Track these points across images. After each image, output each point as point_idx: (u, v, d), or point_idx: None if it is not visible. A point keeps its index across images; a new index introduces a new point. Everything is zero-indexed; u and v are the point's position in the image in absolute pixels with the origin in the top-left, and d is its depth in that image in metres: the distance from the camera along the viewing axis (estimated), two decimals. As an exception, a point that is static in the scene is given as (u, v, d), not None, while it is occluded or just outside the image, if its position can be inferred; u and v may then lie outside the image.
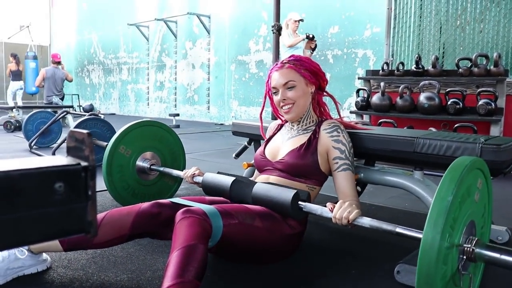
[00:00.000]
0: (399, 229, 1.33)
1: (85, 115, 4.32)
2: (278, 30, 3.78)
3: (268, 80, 1.85)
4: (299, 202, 1.55)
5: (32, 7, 14.26)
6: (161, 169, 2.39)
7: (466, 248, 1.16)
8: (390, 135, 1.89)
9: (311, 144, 1.76)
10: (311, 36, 5.71)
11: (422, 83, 4.31)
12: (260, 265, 1.70)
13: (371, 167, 2.00)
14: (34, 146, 4.94)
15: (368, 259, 1.81)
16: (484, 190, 1.31)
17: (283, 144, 1.84)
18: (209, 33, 9.34)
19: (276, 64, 1.84)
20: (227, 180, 1.76)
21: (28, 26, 13.13)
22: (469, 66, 4.32)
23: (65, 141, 3.51)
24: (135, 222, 1.57)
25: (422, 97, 4.28)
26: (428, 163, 1.83)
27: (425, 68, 4.63)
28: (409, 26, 5.28)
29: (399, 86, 4.46)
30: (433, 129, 3.99)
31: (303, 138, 1.79)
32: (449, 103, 4.15)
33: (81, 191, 0.51)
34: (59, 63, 8.43)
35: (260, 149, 1.93)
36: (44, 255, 1.66)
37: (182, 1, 9.92)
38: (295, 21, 5.72)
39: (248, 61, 8.64)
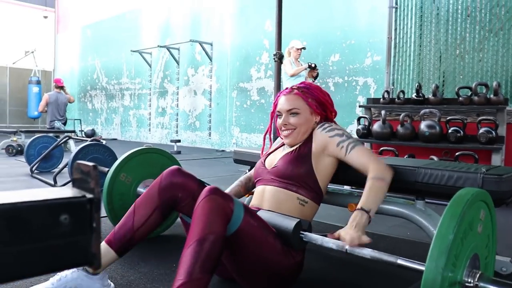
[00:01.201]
0: (400, 261, 1.32)
1: (87, 140, 4.33)
2: (279, 59, 3.82)
3: (275, 102, 1.88)
4: (301, 232, 1.54)
5: (37, 33, 14.47)
6: None
7: (468, 285, 1.15)
8: (392, 164, 1.89)
9: (305, 147, 1.76)
10: (313, 65, 5.78)
11: (422, 111, 4.33)
12: None
13: (372, 196, 1.99)
14: (36, 171, 4.94)
15: (370, 289, 1.79)
16: (487, 221, 1.30)
17: (281, 153, 1.84)
18: (211, 60, 9.45)
19: (286, 89, 1.87)
20: None
21: (33, 52, 13.31)
22: (469, 94, 4.35)
23: (67, 166, 3.50)
24: (160, 190, 1.65)
25: (423, 125, 4.30)
26: (429, 193, 1.83)
27: (426, 97, 4.66)
28: (409, 55, 5.33)
29: (400, 114, 4.48)
30: (435, 158, 3.99)
31: (297, 146, 1.80)
32: (450, 131, 4.17)
33: (86, 223, 0.52)
34: (62, 88, 8.49)
35: (261, 160, 1.93)
36: (107, 280, 1.63)
37: (185, 28, 10.07)
38: (298, 49, 5.79)
39: (249, 88, 8.71)
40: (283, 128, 1.81)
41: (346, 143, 1.71)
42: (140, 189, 2.39)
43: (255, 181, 1.89)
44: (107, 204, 2.31)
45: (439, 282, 1.04)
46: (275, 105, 1.87)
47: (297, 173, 1.72)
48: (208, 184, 1.58)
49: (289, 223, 1.55)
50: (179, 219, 2.67)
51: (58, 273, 1.58)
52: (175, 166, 1.73)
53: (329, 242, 1.47)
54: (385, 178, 1.64)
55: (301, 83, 1.89)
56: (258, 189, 1.82)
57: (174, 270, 1.89)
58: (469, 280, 1.15)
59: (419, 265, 1.26)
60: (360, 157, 1.69)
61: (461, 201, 1.15)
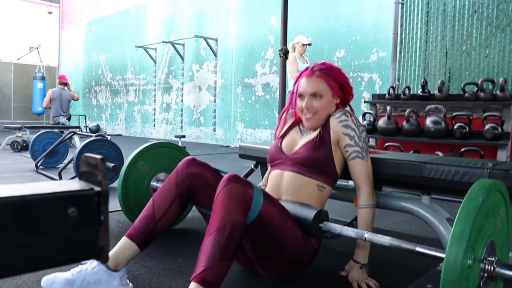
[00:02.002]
0: (419, 248, 1.35)
1: (91, 136, 4.34)
2: (285, 54, 3.81)
3: (295, 83, 1.87)
4: (320, 221, 1.60)
5: (42, 29, 14.50)
6: None
7: (487, 266, 1.17)
8: (398, 159, 1.88)
9: (324, 134, 1.77)
10: None
11: (428, 107, 4.32)
12: (272, 276, 1.72)
13: (378, 192, 1.99)
14: (41, 166, 4.95)
15: (376, 285, 1.79)
16: (504, 217, 1.33)
17: (301, 139, 1.84)
18: (216, 56, 9.44)
19: (307, 69, 1.85)
20: None
21: (37, 48, 13.34)
22: (475, 90, 4.33)
23: (71, 162, 3.51)
24: (178, 180, 1.70)
25: (428, 121, 4.28)
26: (435, 188, 1.82)
27: (431, 93, 4.64)
28: (415, 51, 5.31)
29: (405, 110, 4.46)
30: (440, 153, 3.98)
31: (317, 132, 1.80)
32: (455, 127, 4.15)
33: (94, 216, 0.51)
34: (65, 84, 8.52)
35: (276, 142, 1.91)
36: (126, 280, 1.63)
37: (190, 24, 10.05)
38: (303, 44, 5.77)
39: (254, 84, 8.70)
40: (305, 111, 1.80)
41: (352, 149, 1.74)
42: (153, 183, 2.42)
43: (271, 165, 1.88)
44: (121, 189, 2.33)
45: (459, 266, 1.06)
46: (295, 87, 1.86)
47: (318, 160, 1.74)
48: (224, 172, 1.60)
49: (309, 213, 1.59)
50: (192, 212, 2.68)
51: (79, 265, 1.60)
52: (190, 157, 1.78)
53: (348, 230, 1.53)
54: (374, 204, 1.78)
55: (321, 63, 1.86)
56: (275, 173, 1.82)
57: (180, 265, 1.90)
58: (487, 266, 1.18)
59: (437, 252, 1.30)
60: (358, 172, 1.75)
61: (488, 180, 1.19)
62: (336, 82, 1.81)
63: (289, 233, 1.56)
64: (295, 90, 1.87)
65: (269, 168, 1.97)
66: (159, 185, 2.40)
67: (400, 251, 2.20)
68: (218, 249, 1.32)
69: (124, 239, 1.63)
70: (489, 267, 1.17)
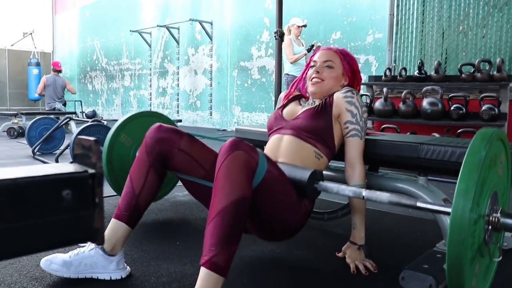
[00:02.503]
0: (420, 203, 1.32)
1: (88, 121, 4.32)
2: (280, 36, 3.78)
3: (312, 56, 1.95)
4: (315, 182, 1.57)
5: (35, 14, 14.34)
6: None
7: (492, 218, 1.18)
8: (394, 140, 1.88)
9: (326, 106, 1.78)
10: (314, 45, 5.70)
11: (424, 88, 4.31)
12: (266, 238, 1.71)
13: (374, 173, 1.99)
14: (37, 152, 4.94)
15: (373, 265, 1.80)
16: (505, 164, 1.33)
17: (301, 109, 1.88)
18: (211, 39, 9.37)
19: (326, 46, 1.97)
20: None
21: (31, 33, 13.22)
22: (472, 71, 4.32)
23: (68, 147, 3.50)
24: (147, 149, 1.66)
25: (425, 103, 4.28)
26: (432, 169, 1.82)
27: (428, 74, 4.63)
28: (411, 32, 5.28)
29: (402, 92, 4.46)
30: (436, 135, 3.98)
31: (319, 102, 1.84)
32: (452, 108, 4.15)
33: (88, 199, 0.51)
34: (59, 71, 8.48)
35: (276, 111, 1.94)
36: (123, 264, 1.64)
37: (185, 7, 9.96)
38: (298, 26, 5.73)
39: (250, 67, 8.66)
40: (314, 75, 1.85)
41: (352, 127, 1.76)
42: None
43: (270, 132, 1.90)
44: (106, 163, 2.26)
45: (466, 224, 1.05)
46: (311, 59, 1.94)
47: (318, 127, 1.75)
48: (201, 137, 1.60)
49: (304, 173, 1.56)
50: (185, 198, 2.69)
51: (77, 248, 1.61)
52: (157, 124, 1.71)
53: (345, 189, 1.50)
54: (365, 184, 1.78)
55: (342, 49, 1.95)
56: (274, 138, 1.83)
57: (178, 248, 1.91)
58: (492, 216, 1.18)
59: (439, 206, 1.29)
60: (355, 150, 1.77)
61: (489, 131, 1.18)
62: (349, 64, 1.89)
63: (287, 196, 1.53)
64: (309, 62, 1.95)
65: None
66: None
67: (398, 232, 2.22)
68: (227, 231, 1.27)
69: (113, 220, 1.63)
70: (494, 219, 1.18)
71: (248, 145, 1.38)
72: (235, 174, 1.31)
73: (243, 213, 1.31)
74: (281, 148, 1.76)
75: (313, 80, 1.85)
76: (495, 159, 1.22)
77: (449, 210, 1.12)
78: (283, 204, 1.53)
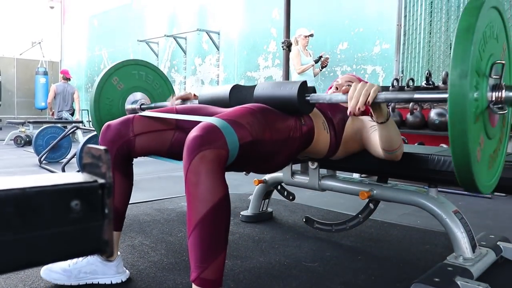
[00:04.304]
0: (417, 95, 1.28)
1: (94, 130, 4.31)
2: (288, 47, 3.77)
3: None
4: (306, 95, 1.48)
5: (44, 24, 14.46)
6: (152, 105, 2.23)
7: (495, 90, 1.13)
8: (404, 152, 1.86)
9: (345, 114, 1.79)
10: (321, 57, 5.71)
11: (432, 99, 4.28)
12: (270, 171, 1.62)
13: (384, 184, 1.97)
14: (44, 161, 4.95)
15: (381, 277, 1.77)
16: (501, 31, 1.27)
17: None
18: (218, 49, 9.40)
19: None
20: (226, 88, 1.70)
21: (40, 43, 13.32)
22: (480, 82, 4.29)
23: (75, 156, 3.50)
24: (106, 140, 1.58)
25: (433, 113, 4.25)
26: (442, 180, 1.80)
27: (436, 84, 4.60)
28: (419, 42, 5.27)
29: (409, 102, 4.43)
30: (444, 146, 3.95)
31: None
32: (460, 119, 4.12)
33: (98, 209, 0.50)
34: (69, 79, 8.54)
35: None
36: (122, 267, 1.65)
37: (192, 17, 10.01)
38: (305, 36, 5.73)
39: (257, 77, 8.67)
40: (333, 89, 1.91)
41: (372, 124, 1.70)
42: (127, 105, 2.26)
43: None
44: (94, 103, 2.16)
45: (466, 95, 1.01)
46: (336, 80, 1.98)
47: (332, 112, 1.75)
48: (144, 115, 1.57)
49: (293, 87, 1.45)
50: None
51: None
52: (105, 125, 1.63)
53: (337, 96, 1.41)
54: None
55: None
56: None
57: (184, 259, 1.89)
58: (494, 92, 1.13)
59: (439, 94, 1.25)
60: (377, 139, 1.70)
61: (475, 7, 1.08)
62: None
63: (278, 133, 1.42)
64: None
65: None
66: (133, 106, 2.25)
67: (407, 244, 2.19)
68: (209, 242, 1.19)
69: None
70: (498, 91, 1.13)
71: (212, 133, 1.21)
72: (205, 179, 1.17)
73: (223, 215, 1.22)
74: None
75: (330, 92, 1.88)
76: (495, 31, 1.17)
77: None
78: (276, 142, 1.42)
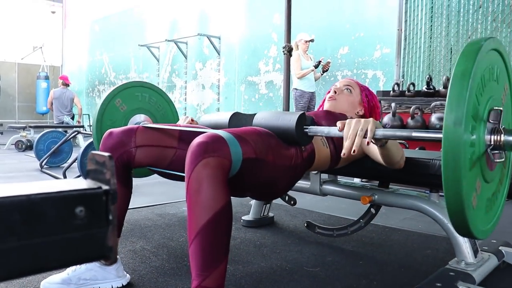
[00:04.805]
0: (415, 133, 1.26)
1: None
2: (289, 51, 3.78)
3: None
4: (304, 127, 1.47)
5: (45, 29, 14.50)
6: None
7: (494, 133, 1.10)
8: (405, 157, 1.86)
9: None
10: (321, 62, 5.72)
11: (433, 103, 4.29)
12: (272, 198, 1.65)
13: (385, 189, 1.97)
14: (45, 166, 4.95)
15: (383, 282, 1.77)
16: (509, 94, 1.26)
17: None
18: (219, 54, 9.42)
19: None
20: (226, 115, 1.72)
21: (41, 47, 13.35)
22: (480, 86, 4.30)
23: (76, 161, 3.50)
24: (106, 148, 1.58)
25: (434, 118, 4.25)
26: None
27: (437, 89, 4.61)
28: (419, 47, 5.28)
29: (410, 107, 4.43)
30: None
31: None
32: (461, 124, 4.12)
33: (102, 216, 0.50)
34: (68, 85, 8.58)
35: None
36: (122, 271, 1.65)
37: (193, 22, 10.04)
38: (306, 41, 5.75)
39: (258, 81, 8.68)
40: (331, 92, 1.95)
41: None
42: (130, 125, 2.24)
43: None
44: (96, 123, 2.17)
45: (460, 143, 0.98)
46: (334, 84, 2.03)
47: (330, 124, 1.72)
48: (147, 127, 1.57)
49: (291, 119, 1.43)
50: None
51: None
52: (105, 134, 1.64)
53: (335, 131, 1.36)
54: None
55: (365, 85, 2.05)
56: None
57: (186, 264, 1.89)
58: (493, 132, 1.11)
59: (435, 133, 1.23)
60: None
61: (472, 51, 1.05)
62: (367, 98, 1.97)
63: (282, 158, 1.42)
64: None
65: None
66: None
67: (408, 249, 2.18)
68: (211, 251, 1.18)
69: None
70: (496, 135, 1.10)
71: (216, 142, 1.21)
72: (207, 186, 1.16)
73: (225, 223, 1.21)
74: None
75: (330, 95, 1.94)
76: (494, 72, 1.14)
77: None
78: (277, 166, 1.41)
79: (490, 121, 1.11)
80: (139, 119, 2.30)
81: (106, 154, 0.51)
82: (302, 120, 1.45)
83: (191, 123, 1.89)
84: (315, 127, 1.47)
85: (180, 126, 1.68)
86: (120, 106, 2.25)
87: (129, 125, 1.67)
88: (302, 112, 1.50)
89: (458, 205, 1.02)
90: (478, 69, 1.03)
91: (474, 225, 1.09)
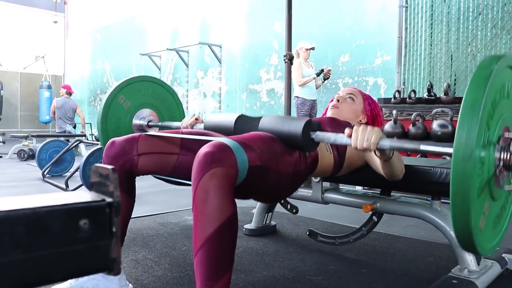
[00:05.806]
0: (423, 146, 1.24)
1: (97, 144, 4.34)
2: (290, 60, 3.80)
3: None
4: (311, 132, 1.46)
5: (47, 38, 14.58)
6: (160, 123, 2.24)
7: (504, 153, 1.09)
8: (407, 164, 1.87)
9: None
10: (323, 69, 5.75)
11: (434, 110, 4.29)
12: (276, 201, 1.69)
13: (387, 197, 1.98)
14: (47, 175, 4.96)
15: (386, 291, 1.77)
16: None
17: None
18: (220, 63, 9.45)
19: None
20: (232, 117, 1.70)
21: (43, 57, 13.42)
22: (481, 93, 4.30)
23: (78, 170, 3.51)
24: (110, 158, 1.59)
25: (435, 125, 4.26)
26: (445, 193, 1.80)
27: (437, 96, 4.61)
28: (420, 54, 5.29)
29: (412, 114, 4.44)
30: (448, 158, 3.95)
31: None
32: (462, 130, 4.12)
33: (106, 228, 0.50)
34: (71, 94, 8.62)
35: None
36: (125, 281, 1.64)
37: (194, 31, 10.08)
38: (307, 49, 5.77)
39: (259, 90, 8.70)
40: (334, 101, 1.98)
41: None
42: (135, 121, 2.25)
43: None
44: (100, 123, 2.16)
45: (473, 144, 0.96)
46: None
47: (334, 131, 1.69)
48: (150, 134, 1.57)
49: (298, 125, 1.44)
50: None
51: None
52: (108, 142, 1.64)
53: (343, 138, 1.38)
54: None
55: (368, 94, 2.09)
56: None
57: (188, 274, 1.89)
58: (504, 150, 1.10)
59: (443, 147, 1.20)
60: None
61: (493, 59, 1.04)
62: (370, 107, 2.00)
63: (286, 164, 1.43)
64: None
65: None
66: (142, 122, 2.24)
67: (411, 257, 2.18)
68: (216, 261, 1.18)
69: None
70: (505, 154, 1.08)
71: (223, 152, 1.22)
72: (214, 197, 1.17)
73: (231, 234, 1.21)
74: None
75: (333, 103, 1.97)
76: (508, 89, 1.12)
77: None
78: (282, 172, 1.42)
79: (500, 143, 1.10)
80: (144, 114, 2.29)
81: (110, 167, 0.52)
82: (309, 126, 1.45)
83: (196, 122, 1.95)
84: (322, 133, 1.47)
85: (182, 133, 1.69)
86: (124, 103, 2.23)
87: (132, 134, 1.67)
88: (309, 118, 1.50)
89: (466, 233, 1.02)
90: (489, 96, 1.00)
91: (481, 246, 1.10)
